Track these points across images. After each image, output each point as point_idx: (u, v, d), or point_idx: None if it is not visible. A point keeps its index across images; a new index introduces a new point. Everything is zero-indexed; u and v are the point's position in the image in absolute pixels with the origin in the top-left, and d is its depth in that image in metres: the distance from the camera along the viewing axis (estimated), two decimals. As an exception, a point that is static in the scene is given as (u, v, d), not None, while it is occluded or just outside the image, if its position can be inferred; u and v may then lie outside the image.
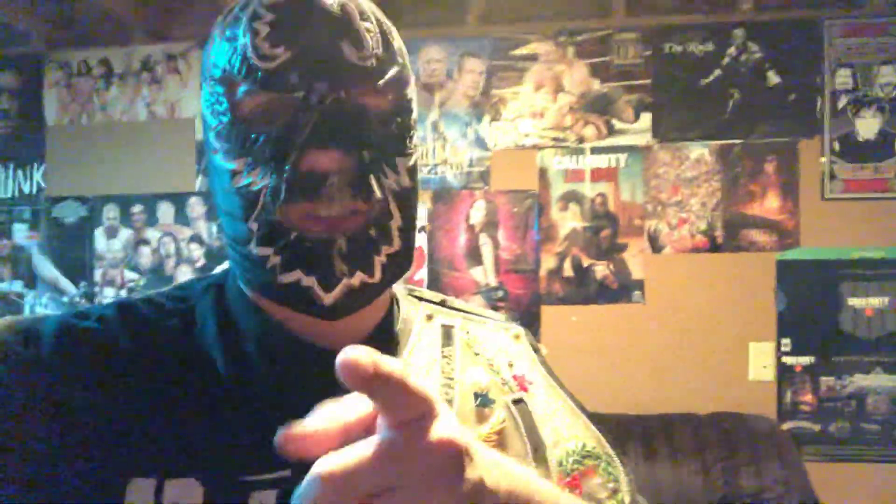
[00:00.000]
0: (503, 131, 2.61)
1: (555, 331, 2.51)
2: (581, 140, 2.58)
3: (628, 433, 2.24)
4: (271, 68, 0.54)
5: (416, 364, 0.63)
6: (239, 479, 0.53)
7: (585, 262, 2.54)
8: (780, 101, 2.49)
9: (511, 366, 0.67)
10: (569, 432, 0.65)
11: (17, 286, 2.69)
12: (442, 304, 0.72)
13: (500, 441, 0.61)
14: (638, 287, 2.51)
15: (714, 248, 2.50)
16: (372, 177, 0.55)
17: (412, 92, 0.61)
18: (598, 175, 2.56)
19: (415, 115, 0.61)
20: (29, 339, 0.55)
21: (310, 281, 0.54)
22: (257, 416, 0.54)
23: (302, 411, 0.54)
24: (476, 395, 0.63)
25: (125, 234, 2.69)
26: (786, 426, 2.39)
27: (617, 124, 2.56)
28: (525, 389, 0.66)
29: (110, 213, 2.68)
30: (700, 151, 2.52)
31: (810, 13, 2.48)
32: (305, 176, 0.53)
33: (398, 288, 0.69)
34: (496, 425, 0.61)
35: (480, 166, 2.61)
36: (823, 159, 2.47)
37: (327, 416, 0.40)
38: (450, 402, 0.61)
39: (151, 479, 0.51)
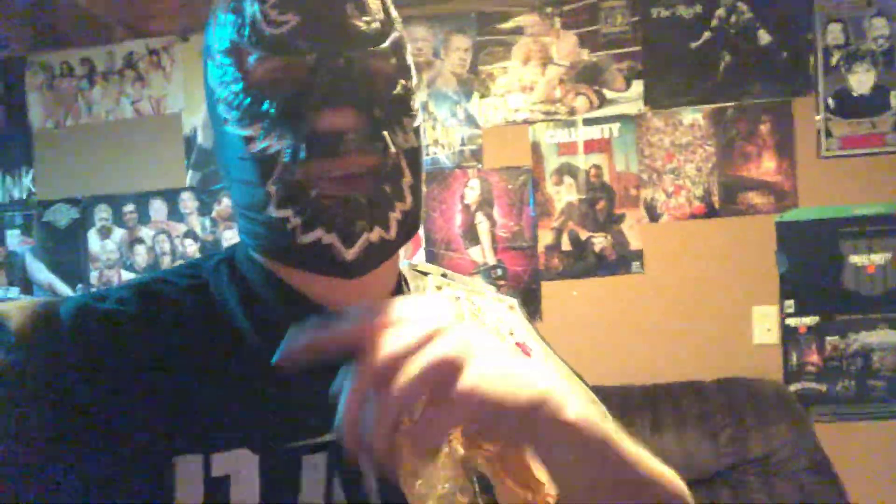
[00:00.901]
0: (493, 108, 2.58)
1: (556, 305, 2.50)
2: (573, 112, 2.55)
3: (634, 404, 2.23)
4: (281, 34, 0.56)
5: None
6: (289, 445, 0.54)
7: (583, 236, 2.52)
8: (772, 61, 2.46)
9: (512, 333, 0.70)
10: None
11: (14, 293, 2.68)
12: (444, 276, 0.74)
13: None
14: (637, 257, 2.50)
15: (712, 213, 2.48)
16: (386, 133, 0.57)
17: (410, 57, 0.63)
18: (591, 147, 2.53)
19: (415, 79, 0.63)
20: (48, 323, 0.55)
21: (331, 238, 0.55)
22: (293, 384, 0.54)
23: (331, 377, 0.55)
24: None
25: (119, 233, 2.67)
26: (792, 388, 2.38)
27: (608, 94, 2.53)
28: (528, 355, 0.68)
29: (102, 213, 2.66)
30: (693, 116, 2.49)
31: (798, -31, 2.44)
32: (323, 135, 0.55)
33: (400, 263, 0.71)
34: None
35: (472, 144, 2.59)
36: (818, 117, 2.44)
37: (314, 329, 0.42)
38: None
39: (197, 456, 0.52)
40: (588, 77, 2.55)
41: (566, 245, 2.52)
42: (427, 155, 2.59)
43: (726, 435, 2.15)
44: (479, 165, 2.58)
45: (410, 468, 0.53)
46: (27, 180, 2.71)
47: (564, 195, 2.54)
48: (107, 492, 0.50)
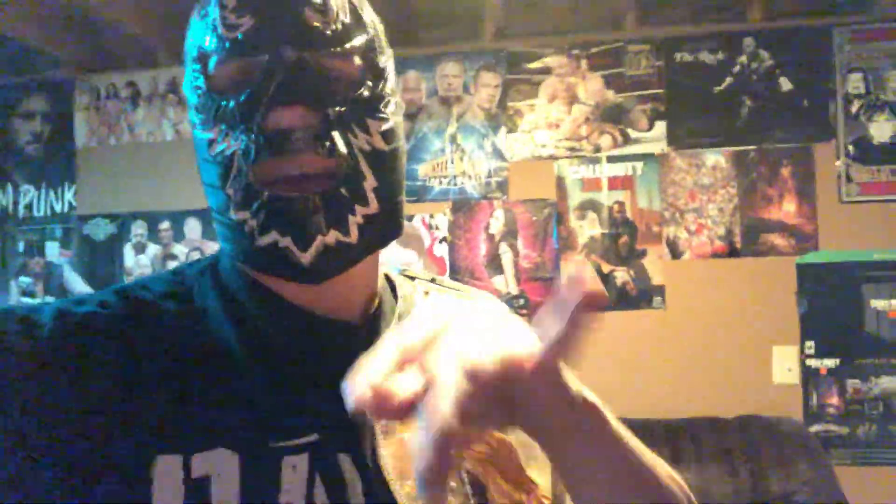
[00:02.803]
0: (520, 142, 2.66)
1: (576, 338, 2.52)
2: (597, 149, 2.62)
3: (653, 437, 2.23)
4: (237, 36, 0.56)
5: None
6: (269, 446, 0.53)
7: (605, 269, 2.56)
8: (793, 107, 2.53)
9: None
10: None
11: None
12: (433, 281, 0.74)
13: None
14: (658, 293, 2.53)
15: (733, 253, 2.51)
16: (336, 133, 0.56)
17: (387, 61, 0.62)
18: (615, 183, 2.59)
19: (391, 84, 0.62)
20: (28, 328, 0.54)
21: (286, 241, 0.54)
22: (274, 386, 0.56)
23: (314, 378, 0.57)
24: None
25: (153, 249, 2.75)
26: (812, 429, 2.37)
27: (632, 133, 2.60)
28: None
29: (138, 229, 2.75)
30: (715, 158, 2.55)
31: (819, 20, 2.52)
32: (271, 133, 0.54)
33: (390, 268, 0.71)
34: None
35: (499, 177, 2.66)
36: (839, 163, 2.49)
37: (381, 363, 0.40)
38: None
39: (177, 456, 0.51)
40: (613, 116, 2.62)
41: (588, 278, 2.56)
42: (454, 185, 2.67)
43: (745, 472, 2.14)
44: (505, 197, 2.64)
45: (400, 470, 0.54)
46: (69, 195, 2.81)
47: (587, 229, 2.59)
48: (87, 493, 0.50)
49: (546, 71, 2.67)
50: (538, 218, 2.62)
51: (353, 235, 0.56)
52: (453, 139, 2.69)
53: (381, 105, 0.60)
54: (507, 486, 0.57)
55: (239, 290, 0.61)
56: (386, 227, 0.61)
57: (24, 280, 2.79)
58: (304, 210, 0.54)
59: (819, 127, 2.51)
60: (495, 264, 2.61)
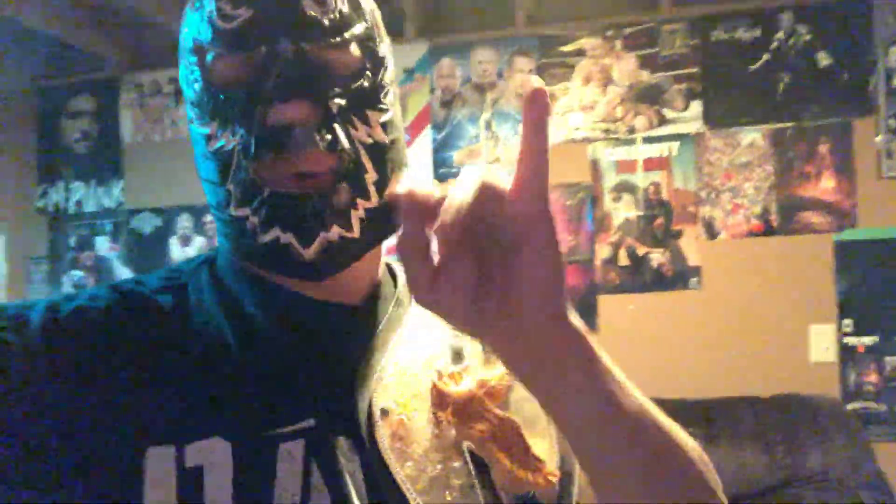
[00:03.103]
0: (554, 126, 2.68)
1: (613, 319, 2.56)
2: (632, 131, 2.62)
3: (689, 417, 2.27)
4: (234, 28, 0.55)
5: (423, 318, 0.62)
6: (264, 433, 0.53)
7: (641, 251, 2.58)
8: (831, 82, 2.49)
9: None
10: None
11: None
12: None
13: (511, 384, 0.62)
14: (694, 273, 2.55)
15: (770, 231, 2.51)
16: (337, 127, 0.55)
17: (385, 50, 0.61)
18: (650, 164, 2.60)
19: (390, 73, 0.61)
20: (17, 324, 0.54)
21: (287, 237, 0.54)
22: (270, 373, 0.56)
23: (311, 363, 0.57)
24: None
25: (198, 241, 2.85)
26: (850, 407, 2.39)
27: (668, 113, 2.60)
28: None
29: (184, 222, 2.85)
30: (752, 136, 2.54)
31: (859, -7, 2.47)
32: (272, 129, 0.53)
33: (390, 258, 0.70)
34: (506, 375, 0.61)
35: (533, 162, 2.68)
36: (879, 138, 2.46)
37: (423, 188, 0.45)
38: (460, 350, 0.64)
39: (170, 447, 0.51)
40: (648, 97, 2.62)
41: (623, 260, 2.59)
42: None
43: (782, 450, 2.18)
44: (540, 182, 2.67)
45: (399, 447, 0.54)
46: (117, 191, 2.92)
47: (622, 211, 2.61)
48: (79, 486, 0.50)
49: (580, 53, 2.67)
50: (572, 202, 2.65)
51: (356, 230, 0.56)
52: (488, 125, 2.71)
53: (382, 95, 0.59)
54: (512, 466, 0.56)
55: (236, 283, 0.61)
56: (388, 219, 0.58)
57: (76, 273, 2.92)
58: (306, 206, 0.54)
59: (859, 102, 2.48)
60: (532, 248, 2.65)
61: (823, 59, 2.51)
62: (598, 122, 2.65)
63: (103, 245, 2.92)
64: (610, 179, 2.63)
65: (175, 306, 0.58)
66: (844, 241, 2.46)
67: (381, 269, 0.66)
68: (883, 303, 2.42)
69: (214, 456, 0.51)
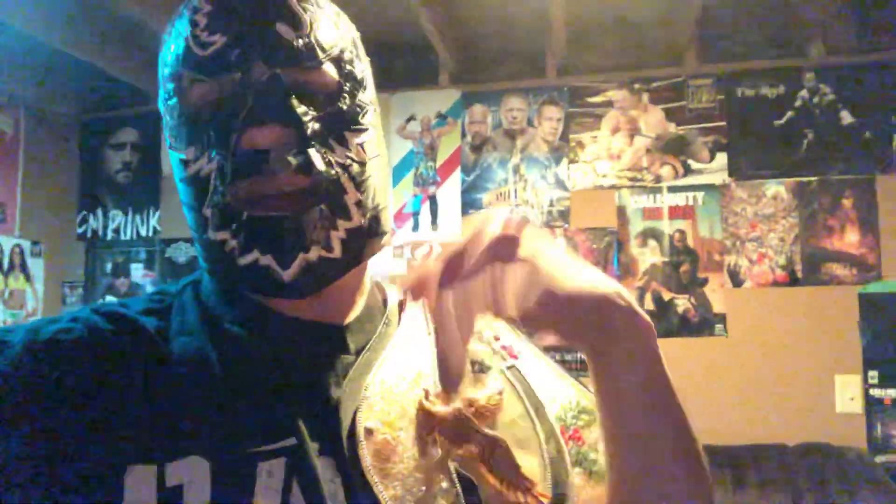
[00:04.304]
0: (582, 173, 2.75)
1: (637, 363, 2.57)
2: (658, 179, 2.69)
3: (716, 462, 2.26)
4: (209, 55, 0.56)
5: (411, 337, 0.64)
6: (244, 452, 0.52)
7: (666, 296, 2.62)
8: (854, 139, 2.57)
9: (497, 338, 0.69)
10: (562, 392, 0.66)
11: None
12: None
13: (500, 404, 0.61)
14: (720, 320, 2.57)
15: (795, 282, 2.55)
16: (313, 150, 0.55)
17: (363, 72, 0.62)
18: (675, 212, 2.66)
19: (370, 94, 0.62)
20: (1, 348, 0.54)
21: (267, 259, 0.54)
22: (252, 392, 0.55)
23: (295, 382, 0.57)
24: (472, 363, 0.64)
25: (230, 272, 2.90)
26: (878, 460, 2.37)
27: (693, 164, 2.67)
28: (515, 357, 0.67)
29: (218, 253, 2.91)
30: (776, 188, 2.60)
31: (881, 56, 2.57)
32: (247, 153, 0.54)
33: (379, 276, 0.71)
34: (494, 396, 0.61)
35: (560, 206, 2.75)
36: (902, 194, 2.51)
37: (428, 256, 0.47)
38: None
39: (151, 466, 0.50)
40: (674, 148, 2.70)
41: (649, 304, 2.62)
42: (518, 213, 2.76)
43: (810, 498, 2.16)
44: (566, 225, 2.73)
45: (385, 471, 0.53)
46: (153, 220, 3.00)
47: (648, 257, 2.65)
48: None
49: (608, 104, 2.77)
50: (598, 246, 2.70)
51: (337, 251, 0.56)
52: (517, 169, 2.79)
53: (360, 116, 0.59)
54: (501, 486, 0.55)
55: (219, 303, 0.61)
56: (370, 238, 0.60)
57: (111, 299, 2.97)
58: (284, 228, 0.54)
59: (881, 159, 2.54)
60: (557, 290, 2.69)
61: (846, 118, 2.59)
62: (624, 171, 2.72)
63: (138, 272, 2.99)
64: (636, 225, 2.68)
65: (158, 328, 0.58)
66: (869, 294, 2.48)
67: (369, 287, 0.66)
68: (908, 356, 2.42)
69: (193, 474, 0.51)
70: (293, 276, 0.54)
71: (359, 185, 0.58)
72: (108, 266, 3.01)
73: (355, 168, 0.58)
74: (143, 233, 3.00)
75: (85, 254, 3.05)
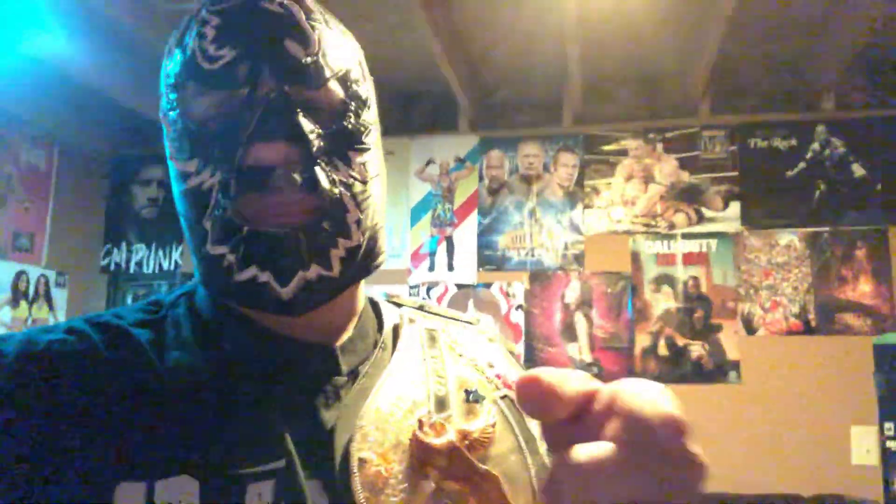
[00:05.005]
0: (596, 218, 2.80)
1: (650, 408, 2.56)
2: (672, 226, 2.73)
3: (730, 511, 2.24)
4: (217, 68, 0.56)
5: (407, 364, 0.63)
6: (234, 473, 0.52)
7: (680, 342, 2.62)
8: (866, 191, 2.61)
9: (491, 366, 0.68)
10: None
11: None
12: (421, 308, 0.72)
13: (493, 436, 0.60)
14: (734, 368, 2.57)
15: (809, 330, 2.55)
16: (319, 168, 0.55)
17: (368, 91, 0.62)
18: (689, 259, 2.69)
19: (373, 114, 0.62)
20: None
21: (265, 276, 0.54)
22: (243, 412, 0.55)
23: (286, 403, 0.56)
24: (466, 392, 0.63)
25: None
26: (895, 513, 2.33)
27: (706, 212, 2.71)
28: (508, 387, 0.66)
29: (237, 288, 2.96)
30: (789, 238, 2.63)
31: (891, 111, 2.62)
32: (252, 169, 0.53)
33: (377, 295, 0.71)
34: (488, 428, 0.60)
35: (575, 250, 2.79)
36: (915, 246, 2.53)
37: (570, 378, 0.33)
38: (444, 398, 0.61)
39: (140, 483, 0.50)
40: (687, 196, 2.75)
41: (663, 350, 2.63)
42: (532, 256, 2.81)
43: (826, 551, 2.12)
44: (581, 269, 2.76)
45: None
46: (176, 254, 3.07)
47: (662, 302, 2.67)
48: None
49: (623, 153, 2.84)
50: (612, 290, 2.72)
51: (336, 269, 0.56)
52: (532, 213, 2.85)
53: (364, 136, 0.60)
54: None
55: (213, 318, 0.61)
56: (368, 257, 0.60)
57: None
58: (285, 245, 0.54)
59: (893, 210, 2.57)
60: (570, 332, 2.71)
61: (858, 170, 2.63)
62: (638, 217, 2.77)
63: (156, 306, 3.04)
64: (650, 271, 2.71)
65: (151, 340, 0.58)
66: (884, 344, 2.48)
67: (363, 307, 0.66)
68: (925, 408, 2.40)
69: (183, 494, 0.50)
70: (291, 294, 0.54)
71: (359, 203, 0.58)
72: (129, 298, 3.07)
73: (357, 187, 0.58)
74: (165, 266, 3.07)
75: (107, 286, 3.11)
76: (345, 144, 0.58)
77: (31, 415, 0.51)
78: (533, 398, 0.33)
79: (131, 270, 3.10)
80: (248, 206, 0.54)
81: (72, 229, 3.03)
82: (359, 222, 0.58)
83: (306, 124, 0.55)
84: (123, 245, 3.14)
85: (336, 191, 0.56)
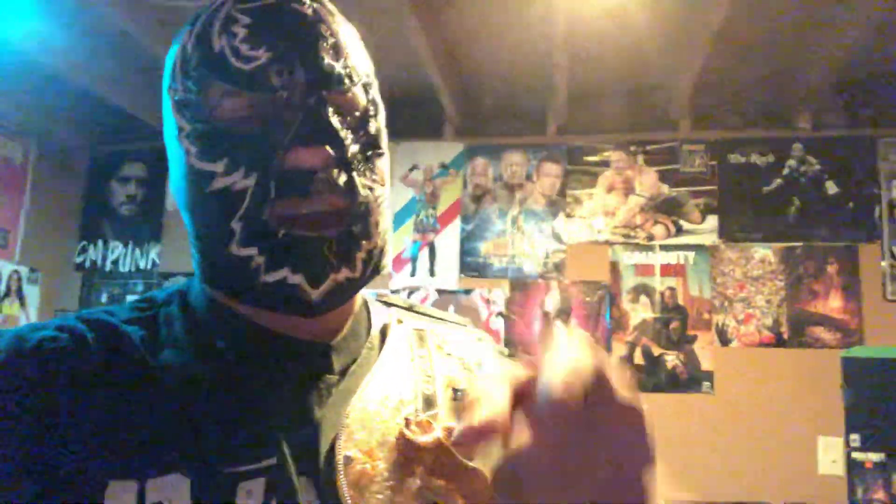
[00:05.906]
0: (577, 227, 2.84)
1: (626, 417, 2.61)
2: (651, 238, 2.78)
3: (702, 519, 2.29)
4: (252, 69, 0.55)
5: (394, 363, 0.63)
6: (224, 471, 0.52)
7: (656, 352, 2.68)
8: (838, 209, 2.68)
9: (480, 365, 0.68)
10: None
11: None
12: (410, 309, 0.73)
13: None
14: (707, 378, 2.63)
15: (780, 343, 2.62)
16: (355, 173, 0.56)
17: (379, 98, 0.63)
18: (667, 270, 2.74)
19: (383, 117, 0.63)
20: None
21: (296, 278, 0.54)
22: (235, 409, 0.55)
23: (279, 401, 0.57)
24: (454, 390, 0.63)
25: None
26: (859, 523, 2.41)
27: (685, 225, 2.77)
28: None
29: (216, 288, 2.94)
30: (764, 252, 2.70)
31: (866, 132, 2.71)
32: (293, 174, 0.54)
33: (367, 294, 0.71)
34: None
35: (555, 258, 2.82)
36: (884, 263, 2.62)
37: (487, 403, 0.37)
38: (431, 396, 0.62)
39: (131, 482, 0.50)
40: (666, 208, 2.80)
41: (639, 359, 2.68)
42: (513, 264, 2.84)
43: (794, 559, 2.18)
44: (561, 278, 2.80)
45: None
46: (153, 253, 3.03)
47: (640, 312, 2.72)
48: None
49: (604, 164, 2.88)
50: (591, 299, 2.76)
51: (359, 270, 0.57)
52: (515, 221, 2.87)
53: (382, 141, 0.61)
54: None
55: (207, 316, 0.60)
56: (381, 258, 0.61)
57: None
58: (321, 249, 0.55)
59: (864, 228, 2.66)
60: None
61: (831, 188, 2.71)
62: (618, 228, 2.82)
63: (132, 305, 3.00)
64: (628, 281, 2.76)
65: (143, 338, 0.57)
66: (851, 358, 2.56)
67: (358, 304, 0.67)
68: (889, 420, 2.48)
69: (174, 492, 0.50)
70: (320, 297, 0.55)
71: (379, 206, 0.59)
72: (104, 296, 3.02)
73: (378, 190, 0.59)
74: (142, 265, 3.03)
75: (81, 283, 3.06)
76: (370, 150, 0.59)
77: (21, 413, 0.51)
78: (478, 443, 0.36)
79: (107, 268, 3.06)
80: (285, 209, 0.54)
81: (47, 225, 2.97)
82: (377, 224, 0.59)
83: (343, 129, 0.56)
84: (100, 243, 3.09)
85: (367, 194, 0.57)
